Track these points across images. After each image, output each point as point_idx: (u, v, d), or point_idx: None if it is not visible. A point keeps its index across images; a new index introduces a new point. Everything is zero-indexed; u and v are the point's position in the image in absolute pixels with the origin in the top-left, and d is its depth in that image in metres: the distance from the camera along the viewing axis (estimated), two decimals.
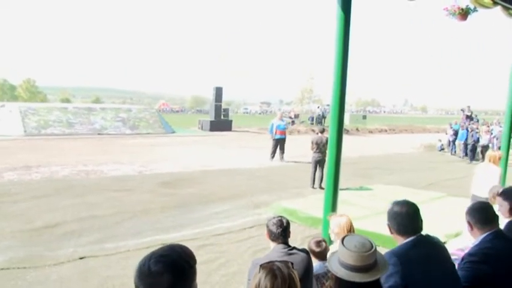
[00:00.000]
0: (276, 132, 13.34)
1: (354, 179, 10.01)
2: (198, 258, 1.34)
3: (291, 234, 2.68)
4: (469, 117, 20.65)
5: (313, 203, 6.94)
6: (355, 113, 58.28)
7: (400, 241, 2.14)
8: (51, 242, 5.26)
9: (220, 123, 24.61)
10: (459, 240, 4.03)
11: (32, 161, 11.33)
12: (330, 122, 4.34)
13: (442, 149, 18.92)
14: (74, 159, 11.96)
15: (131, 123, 21.60)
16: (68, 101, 69.86)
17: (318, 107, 32.86)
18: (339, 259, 1.64)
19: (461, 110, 21.91)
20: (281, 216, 2.69)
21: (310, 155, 9.71)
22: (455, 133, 17.98)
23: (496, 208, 2.77)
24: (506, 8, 5.68)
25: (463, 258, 2.32)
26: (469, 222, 2.43)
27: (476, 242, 2.37)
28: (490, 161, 5.54)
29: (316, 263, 2.84)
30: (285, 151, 13.45)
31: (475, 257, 2.26)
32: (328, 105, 27.01)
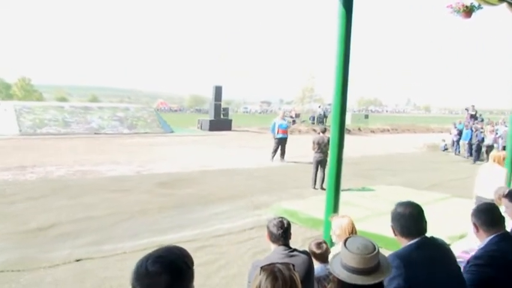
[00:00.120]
0: (278, 132, 13.33)
1: (356, 179, 10.00)
2: (197, 260, 1.34)
3: (292, 236, 2.67)
4: (474, 117, 20.66)
5: (315, 204, 6.93)
6: (357, 112, 58.27)
7: (403, 243, 2.13)
8: (46, 244, 5.25)
9: (220, 122, 24.60)
10: (464, 243, 4.01)
11: (27, 160, 11.32)
12: (331, 122, 4.33)
13: (446, 149, 18.92)
14: (70, 159, 11.96)
15: (129, 123, 21.59)
16: (64, 99, 69.88)
17: (319, 106, 32.86)
18: (341, 261, 1.63)
19: (466, 109, 21.94)
20: (282, 218, 2.69)
21: (311, 155, 9.70)
22: (460, 133, 17.98)
23: (502, 210, 2.76)
24: None
25: (468, 261, 2.31)
26: (474, 224, 2.42)
27: (482, 245, 2.35)
28: (494, 161, 5.53)
29: (317, 265, 2.83)
30: (286, 151, 13.44)
31: (481, 260, 2.25)
32: (329, 104, 27.00)
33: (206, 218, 6.70)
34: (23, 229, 5.75)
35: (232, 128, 25.07)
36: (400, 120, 45.95)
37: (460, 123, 19.16)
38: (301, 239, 5.55)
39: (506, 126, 16.90)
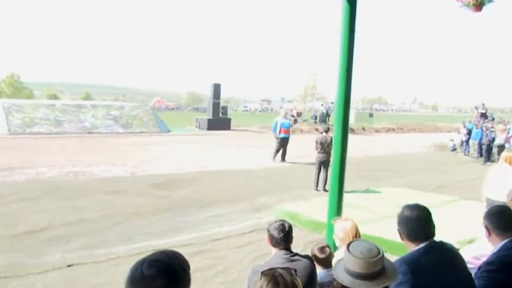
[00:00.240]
0: (280, 131, 13.32)
1: (360, 181, 10.00)
2: (194, 265, 1.33)
3: (293, 240, 2.67)
4: (484, 115, 20.65)
5: (317, 206, 6.93)
6: (361, 111, 58.33)
7: (411, 248, 2.11)
8: (35, 249, 5.23)
9: (219, 121, 24.62)
10: (474, 247, 4.00)
11: (16, 161, 11.31)
12: (334, 121, 4.33)
13: (455, 149, 18.91)
14: (62, 159, 11.95)
15: (124, 122, 21.59)
16: (55, 97, 69.68)
17: (322, 105, 32.89)
18: (344, 266, 1.64)
19: (475, 107, 21.94)
20: (283, 220, 2.68)
21: (313, 156, 9.70)
22: (469, 132, 17.97)
23: None
24: None
25: (479, 267, 2.29)
26: (486, 227, 2.40)
27: (495, 250, 2.33)
28: (506, 161, 5.51)
29: (320, 270, 2.82)
30: (287, 151, 13.43)
31: (493, 265, 2.22)
32: (332, 102, 27.04)
33: (203, 220, 6.68)
34: (11, 233, 5.73)
35: (232, 127, 25.08)
36: (406, 119, 45.95)
37: (469, 122, 19.13)
38: (303, 243, 5.53)
39: None
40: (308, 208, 7.12)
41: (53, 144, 15.61)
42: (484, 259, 2.38)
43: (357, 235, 2.90)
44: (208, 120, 24.41)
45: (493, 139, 15.91)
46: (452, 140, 19.48)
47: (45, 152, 13.49)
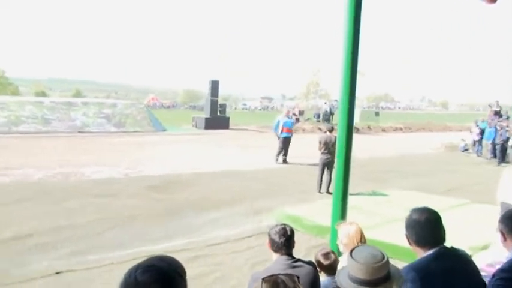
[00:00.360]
0: (282, 130, 13.31)
1: (365, 183, 10.00)
2: (191, 272, 1.33)
3: (295, 245, 2.67)
4: (498, 114, 20.63)
5: (320, 209, 6.94)
6: (366, 109, 58.29)
7: (420, 253, 2.11)
8: (22, 255, 5.22)
9: (217, 120, 24.61)
10: (487, 254, 4.00)
11: (0, 162, 11.29)
12: (338, 120, 4.33)
13: (466, 150, 18.91)
14: (51, 160, 11.94)
15: (116, 120, 21.59)
16: (43, 94, 69.45)
17: (325, 103, 32.86)
18: (348, 273, 1.65)
19: (489, 105, 21.93)
20: (284, 224, 2.69)
21: (316, 156, 9.71)
22: (482, 132, 17.96)
23: None
24: None
25: (494, 275, 2.28)
26: (502, 232, 2.38)
27: (511, 256, 2.32)
28: None
29: (323, 277, 2.81)
30: (289, 151, 13.44)
31: (509, 273, 2.21)
32: (336, 100, 27.03)
33: (200, 224, 6.69)
34: None
35: (230, 127, 25.08)
36: (414, 117, 46.00)
37: (482, 121, 19.12)
38: (305, 248, 5.52)
39: None
40: (311, 211, 7.13)
41: (41, 143, 15.59)
42: (499, 266, 2.37)
43: (361, 240, 2.89)
44: (206, 119, 24.40)
45: (508, 139, 15.90)
46: (464, 140, 19.48)
47: (32, 152, 13.47)
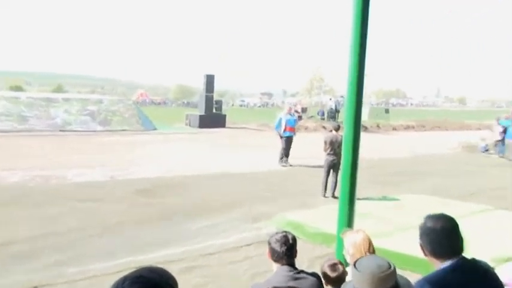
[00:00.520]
0: (285, 129, 13.27)
1: (374, 186, 10.00)
2: (184, 284, 1.33)
3: (298, 254, 2.67)
4: None
5: (325, 215, 6.95)
6: (375, 105, 58.37)
7: (436, 265, 2.10)
8: None
9: (212, 118, 24.63)
10: None
11: None
12: (344, 117, 4.32)
13: (487, 150, 18.88)
14: (28, 161, 11.91)
15: (102, 118, 21.58)
16: (20, 89, 69.24)
17: (330, 99, 32.89)
18: (353, 286, 1.65)
19: None
20: (286, 232, 2.70)
21: (320, 157, 9.71)
22: (505, 130, 17.90)
23: None
24: None
25: None
26: None
27: None
28: None
29: None
30: (290, 152, 13.42)
31: None
32: (342, 96, 27.06)
33: (194, 232, 6.68)
34: None
35: (227, 125, 25.11)
36: (428, 115, 46.01)
37: (505, 118, 19.06)
38: (308, 258, 5.53)
39: None
40: (315, 217, 7.13)
41: (17, 143, 15.56)
42: None
43: (370, 250, 2.88)
44: (200, 116, 24.41)
45: None
46: (484, 140, 19.45)
47: (7, 152, 13.43)
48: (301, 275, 2.56)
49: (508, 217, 7.23)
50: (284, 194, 9.39)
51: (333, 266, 2.90)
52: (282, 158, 13.17)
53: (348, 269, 2.99)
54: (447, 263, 2.06)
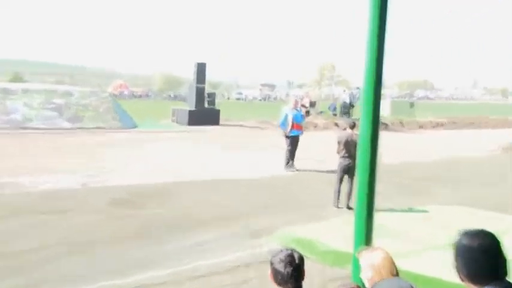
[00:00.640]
0: (293, 127, 13.24)
1: (397, 195, 10.03)
2: None
3: (306, 276, 2.67)
4: None
5: (338, 229, 6.99)
6: (398, 99, 58.49)
7: None
8: None
9: (203, 113, 24.66)
10: None
11: None
12: (360, 113, 4.31)
13: None
14: None
15: (71, 113, 21.58)
16: None
17: (344, 91, 32.96)
18: None
19: None
20: (291, 250, 2.70)
21: (333, 160, 9.70)
22: None
23: None
24: None
25: None
26: None
27: None
28: None
29: None
30: (296, 153, 13.43)
31: None
32: (358, 88, 27.09)
33: (181, 250, 6.69)
34: None
35: (221, 122, 25.15)
36: (461, 110, 46.15)
37: None
38: (318, 281, 5.51)
39: None
40: (326, 233, 7.18)
41: None
42: None
43: (392, 271, 2.85)
44: (190, 112, 24.43)
45: None
46: None
47: None
48: None
49: None
50: (289, 204, 9.41)
51: None
52: (288, 163, 13.14)
53: None
54: None
